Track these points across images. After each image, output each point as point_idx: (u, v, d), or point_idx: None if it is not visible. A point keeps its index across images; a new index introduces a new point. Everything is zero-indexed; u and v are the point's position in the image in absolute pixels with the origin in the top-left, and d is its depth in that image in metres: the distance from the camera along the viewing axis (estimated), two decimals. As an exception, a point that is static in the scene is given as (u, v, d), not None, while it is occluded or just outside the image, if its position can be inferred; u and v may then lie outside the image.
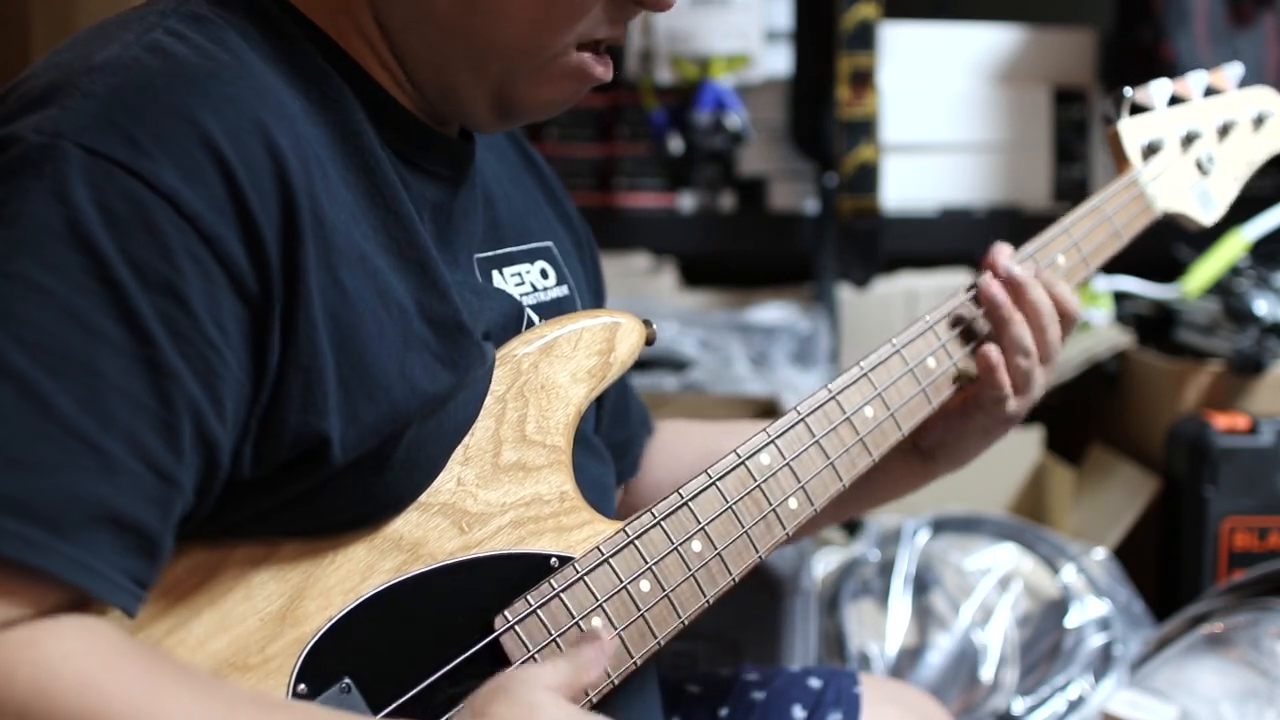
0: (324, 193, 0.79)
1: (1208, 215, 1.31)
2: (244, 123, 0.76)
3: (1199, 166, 1.30)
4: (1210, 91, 1.32)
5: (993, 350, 1.09)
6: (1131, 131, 1.26)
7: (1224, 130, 1.32)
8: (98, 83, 0.75)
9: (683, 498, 0.93)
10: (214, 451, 0.74)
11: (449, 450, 0.86)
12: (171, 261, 0.72)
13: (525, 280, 1.01)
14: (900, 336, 1.09)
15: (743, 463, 0.97)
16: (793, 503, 0.99)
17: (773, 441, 0.99)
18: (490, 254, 0.99)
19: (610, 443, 1.17)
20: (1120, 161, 1.26)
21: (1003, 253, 1.12)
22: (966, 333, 1.12)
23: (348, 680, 0.80)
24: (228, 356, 0.74)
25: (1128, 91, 1.25)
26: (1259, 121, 1.35)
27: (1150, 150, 1.26)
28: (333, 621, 0.80)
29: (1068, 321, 1.13)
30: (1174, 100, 1.29)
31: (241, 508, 0.79)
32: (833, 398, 1.03)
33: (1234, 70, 1.34)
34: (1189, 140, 1.29)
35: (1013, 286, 1.10)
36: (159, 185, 0.72)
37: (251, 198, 0.74)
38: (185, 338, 0.72)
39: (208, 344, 0.73)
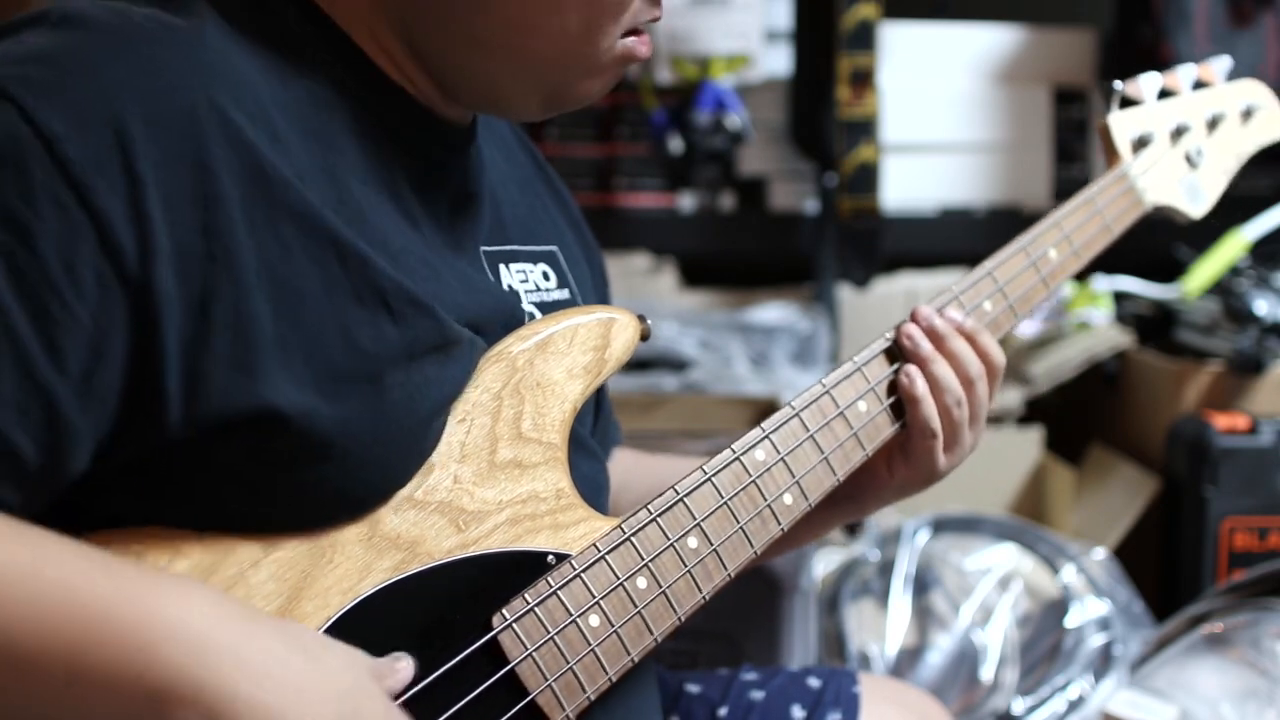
0: (272, 154, 0.79)
1: (1196, 208, 1.32)
2: (162, 84, 0.77)
3: (1188, 160, 1.30)
4: (1199, 85, 1.33)
5: (917, 377, 1.06)
6: (1121, 125, 1.26)
7: (1213, 123, 1.33)
8: (39, 31, 0.78)
9: (678, 494, 0.93)
10: (48, 398, 0.74)
11: (425, 431, 0.85)
12: (29, 200, 0.73)
13: (529, 279, 1.02)
14: (893, 331, 1.09)
15: (737, 458, 0.97)
16: (788, 498, 0.99)
17: (767, 436, 0.99)
18: (496, 249, 1.00)
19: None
20: (1110, 155, 1.27)
21: (923, 308, 1.10)
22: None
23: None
24: (73, 304, 0.74)
25: (1118, 85, 1.26)
26: (1247, 114, 1.36)
27: (1140, 144, 1.27)
28: (331, 621, 0.80)
29: (992, 371, 1.10)
30: (1163, 94, 1.30)
31: (221, 495, 0.79)
32: (826, 392, 1.03)
33: (1222, 64, 1.35)
34: (1178, 134, 1.30)
35: (934, 336, 1.08)
36: (43, 127, 0.73)
37: (141, 156, 0.75)
38: (20, 273, 0.73)
39: (48, 285, 0.73)
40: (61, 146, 0.74)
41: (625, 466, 1.23)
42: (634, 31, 0.92)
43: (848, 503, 1.12)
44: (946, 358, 1.07)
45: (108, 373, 0.75)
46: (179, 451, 0.78)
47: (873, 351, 1.07)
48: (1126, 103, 1.27)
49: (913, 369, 1.06)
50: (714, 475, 0.95)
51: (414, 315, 0.84)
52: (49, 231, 0.73)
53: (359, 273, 0.82)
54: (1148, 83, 1.28)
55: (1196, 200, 1.31)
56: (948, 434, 1.07)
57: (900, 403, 1.07)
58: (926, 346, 1.07)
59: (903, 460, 1.09)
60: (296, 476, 0.80)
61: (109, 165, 0.74)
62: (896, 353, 1.08)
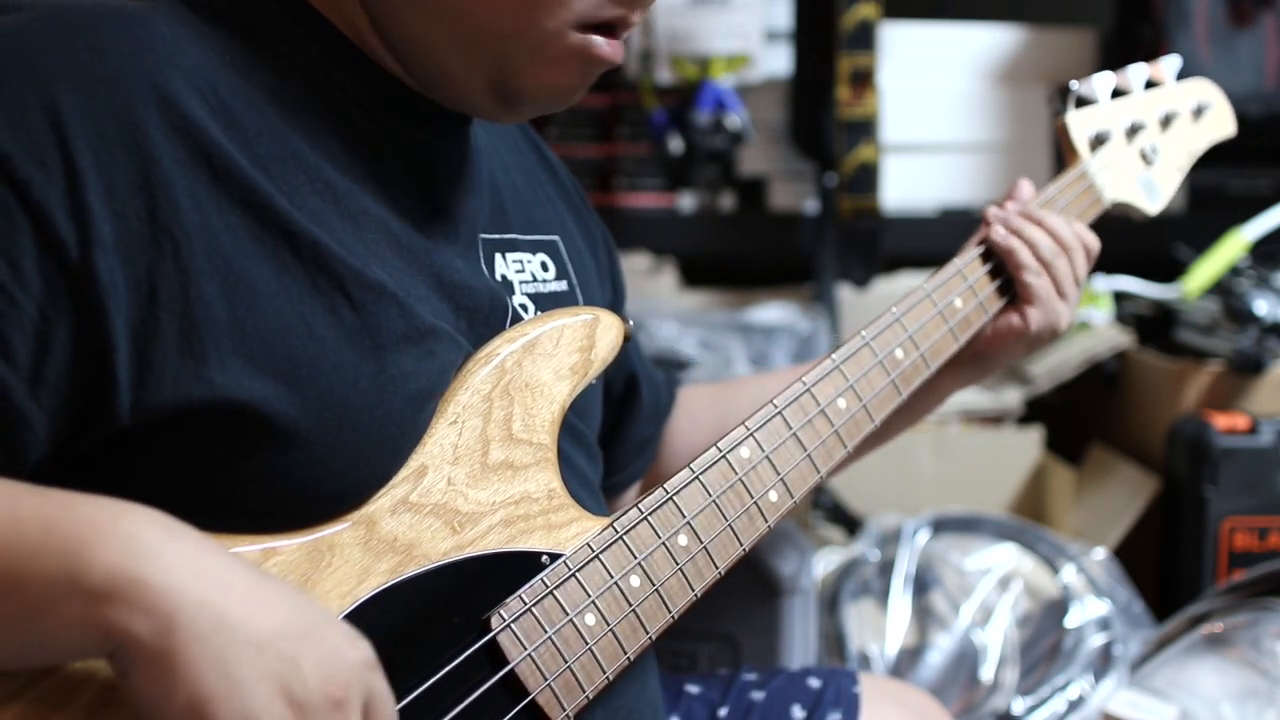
0: (222, 141, 0.79)
1: (1153, 205, 1.33)
2: (101, 74, 0.77)
3: (1143, 157, 1.32)
4: (1150, 84, 1.35)
5: (999, 230, 1.20)
6: (1079, 124, 1.28)
7: (1166, 121, 1.35)
8: None
9: (667, 493, 0.94)
10: None
11: (400, 423, 0.84)
12: None
13: (526, 269, 1.02)
14: (869, 329, 1.10)
15: (724, 456, 0.97)
16: (773, 495, 1.00)
17: (751, 435, 1.00)
18: (494, 237, 1.00)
19: (641, 438, 1.20)
20: (1069, 153, 1.28)
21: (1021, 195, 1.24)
22: (929, 328, 1.15)
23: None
24: (18, 297, 0.74)
25: (1073, 84, 1.27)
26: (1198, 112, 1.38)
27: (1098, 141, 1.28)
28: (331, 624, 0.80)
29: (1089, 251, 1.23)
30: (1117, 93, 1.31)
31: (193, 487, 0.79)
32: (807, 390, 1.04)
33: (1171, 63, 1.36)
34: (1133, 131, 1.31)
35: (1028, 219, 1.21)
36: None
37: (79, 146, 0.75)
38: None
39: None
40: None
41: (697, 401, 1.28)
42: (605, 30, 0.88)
43: (975, 364, 1.25)
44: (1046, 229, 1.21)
45: (58, 362, 0.75)
46: (144, 442, 0.78)
47: (850, 349, 1.08)
48: (1082, 102, 1.28)
49: (1001, 230, 1.21)
50: (701, 474, 0.96)
51: (375, 303, 0.84)
52: None
53: (313, 260, 0.81)
54: (1101, 82, 1.29)
55: (1153, 196, 1.33)
56: (1053, 282, 1.21)
57: (883, 396, 1.09)
58: (1015, 219, 1.21)
59: (1022, 317, 1.21)
60: (263, 466, 0.80)
61: (47, 158, 0.74)
62: (876, 349, 1.10)
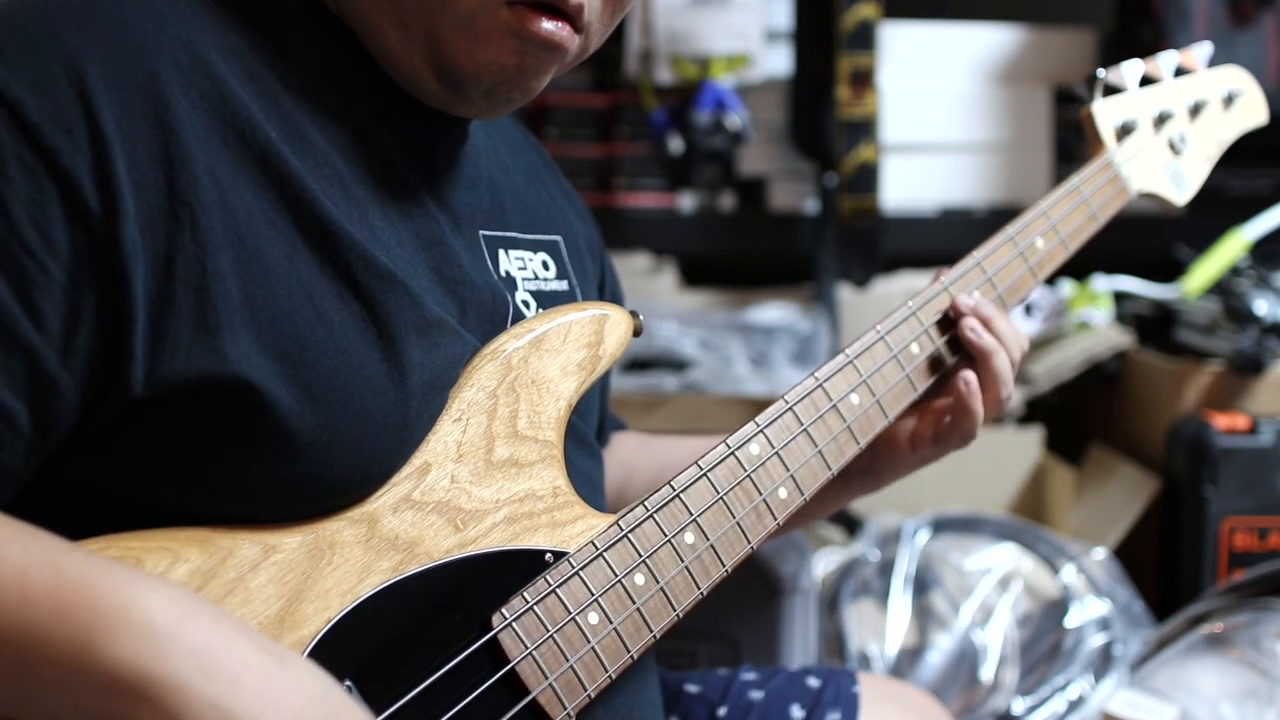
0: (239, 120, 0.80)
1: (1180, 195, 1.32)
2: (124, 46, 0.77)
3: (1171, 146, 1.30)
4: (1180, 72, 1.33)
5: (970, 378, 1.10)
6: (1105, 113, 1.26)
7: (1195, 110, 1.33)
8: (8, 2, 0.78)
9: (674, 490, 0.93)
10: (32, 358, 0.75)
11: (407, 415, 0.84)
12: None
13: (528, 266, 1.02)
14: (884, 323, 1.09)
15: (732, 453, 0.97)
16: (782, 491, 0.99)
17: (761, 431, 0.99)
18: (495, 234, 1.00)
19: None
20: (1094, 143, 1.26)
21: (963, 297, 1.13)
22: (945, 322, 1.13)
23: (349, 682, 0.79)
24: (49, 265, 0.74)
25: (1100, 73, 1.26)
26: (1229, 100, 1.35)
27: (1124, 131, 1.26)
28: (331, 623, 0.80)
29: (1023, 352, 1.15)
30: (1145, 81, 1.30)
31: (198, 471, 0.79)
32: (819, 385, 1.03)
33: (1203, 50, 1.35)
34: (1161, 120, 1.29)
35: (983, 319, 1.11)
36: (4, 92, 0.74)
37: (105, 118, 0.75)
38: None
39: (22, 248, 0.74)
40: (24, 110, 0.74)
41: (630, 449, 1.23)
42: (544, 9, 0.87)
43: (864, 477, 1.15)
44: (999, 339, 1.11)
45: (87, 330, 0.76)
46: (149, 420, 0.78)
47: (865, 344, 1.07)
48: (1110, 90, 1.27)
49: (971, 371, 1.10)
50: (709, 470, 0.95)
51: (384, 291, 0.84)
52: (18, 195, 0.74)
53: (323, 244, 0.82)
54: (1130, 70, 1.27)
55: (1180, 187, 1.31)
56: (988, 414, 1.12)
57: (897, 391, 1.08)
58: (989, 339, 1.11)
59: (936, 440, 1.12)
60: (266, 449, 0.80)
61: (74, 126, 0.75)
62: (891, 344, 1.09)
